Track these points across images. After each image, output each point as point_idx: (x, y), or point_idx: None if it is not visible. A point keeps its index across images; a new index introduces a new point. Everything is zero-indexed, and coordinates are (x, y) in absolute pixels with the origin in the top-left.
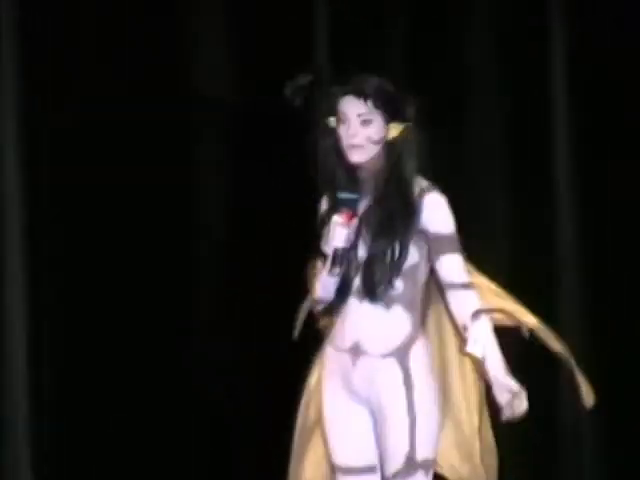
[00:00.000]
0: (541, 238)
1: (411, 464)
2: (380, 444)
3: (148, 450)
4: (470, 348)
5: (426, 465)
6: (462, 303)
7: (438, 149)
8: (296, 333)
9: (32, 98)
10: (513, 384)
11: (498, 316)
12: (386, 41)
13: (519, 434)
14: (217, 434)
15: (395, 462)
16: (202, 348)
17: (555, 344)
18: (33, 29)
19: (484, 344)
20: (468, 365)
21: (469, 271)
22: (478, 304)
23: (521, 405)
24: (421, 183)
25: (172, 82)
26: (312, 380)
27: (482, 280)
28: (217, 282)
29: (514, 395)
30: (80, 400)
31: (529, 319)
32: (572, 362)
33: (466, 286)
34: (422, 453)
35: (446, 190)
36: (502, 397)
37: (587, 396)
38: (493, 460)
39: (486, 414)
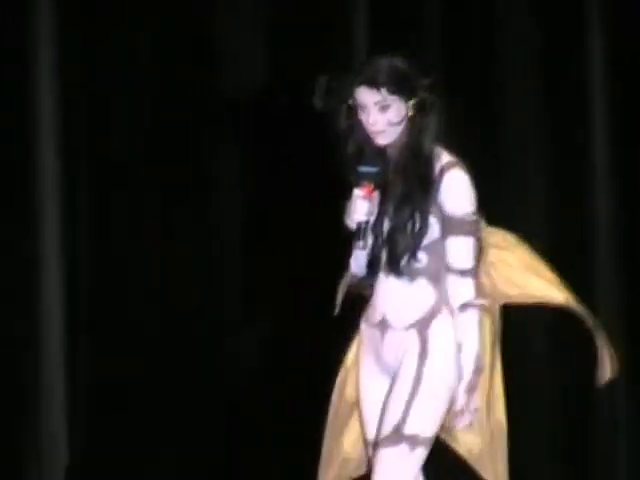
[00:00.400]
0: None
1: (397, 434)
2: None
3: (176, 435)
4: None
5: (413, 440)
6: (455, 289)
7: (472, 133)
8: (337, 310)
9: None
10: (460, 403)
11: (514, 293)
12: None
13: (554, 402)
14: (248, 419)
15: (385, 428)
16: (230, 340)
17: (587, 319)
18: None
19: (465, 338)
20: (487, 343)
21: (502, 245)
22: (469, 294)
23: (459, 422)
24: (444, 158)
25: (197, 74)
26: (349, 358)
27: (512, 255)
28: (244, 270)
29: (457, 412)
30: (112, 385)
31: (558, 295)
32: (603, 336)
33: (464, 273)
34: (412, 428)
35: (482, 171)
36: (458, 403)
37: (605, 372)
38: (502, 436)
39: (499, 390)
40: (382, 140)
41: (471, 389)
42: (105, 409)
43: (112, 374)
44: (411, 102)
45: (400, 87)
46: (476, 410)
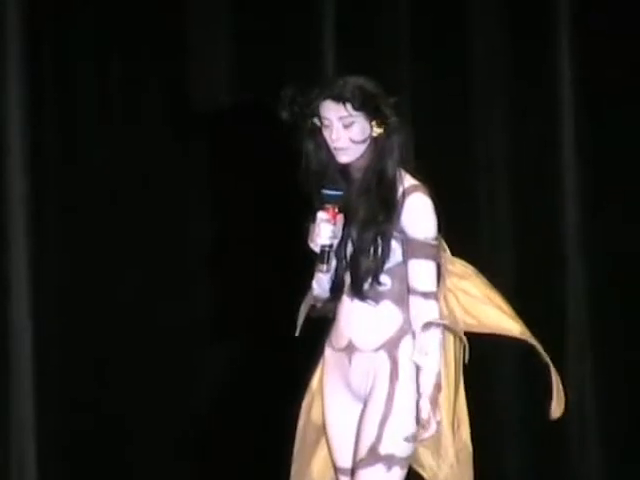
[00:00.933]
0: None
1: (373, 455)
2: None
3: (148, 449)
4: (414, 357)
5: (389, 460)
6: (418, 311)
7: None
8: (297, 330)
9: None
10: (426, 412)
11: (471, 322)
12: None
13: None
14: (212, 436)
15: (361, 450)
16: (202, 349)
17: (541, 353)
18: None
19: (426, 356)
20: (451, 365)
21: (462, 274)
22: (433, 315)
23: (425, 433)
24: (406, 181)
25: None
26: (314, 381)
27: (471, 285)
28: (216, 281)
29: (423, 422)
30: (83, 396)
31: (513, 327)
32: (555, 372)
33: (426, 295)
34: (387, 447)
35: (451, 192)
36: (423, 413)
37: (556, 408)
38: (468, 458)
39: (463, 412)
40: (344, 158)
41: (432, 402)
42: (75, 425)
43: (81, 389)
44: (375, 122)
45: (365, 104)
46: (439, 422)
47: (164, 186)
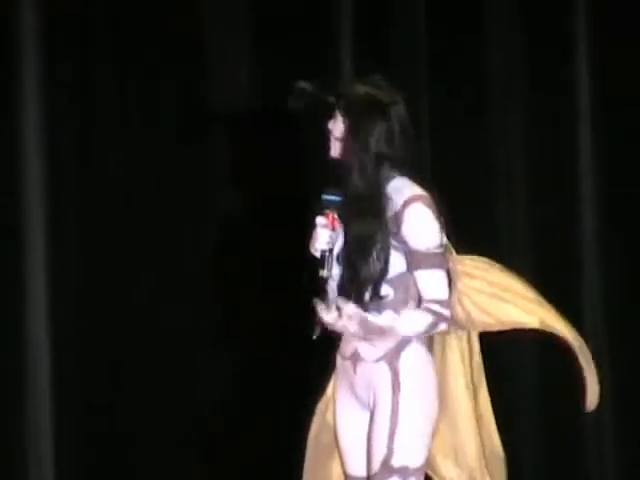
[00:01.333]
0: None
1: (387, 468)
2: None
3: (151, 451)
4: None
5: (404, 472)
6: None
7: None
8: (315, 333)
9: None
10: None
11: (489, 321)
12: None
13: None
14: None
15: (374, 465)
16: (205, 352)
17: (569, 339)
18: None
19: (402, 319)
20: (468, 370)
21: (473, 273)
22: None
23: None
24: (407, 191)
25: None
26: (330, 388)
27: (483, 283)
28: (219, 283)
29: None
30: (98, 398)
31: (531, 320)
32: (588, 357)
33: (441, 303)
34: (400, 459)
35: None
36: (351, 324)
37: (592, 398)
38: (499, 463)
39: (488, 417)
40: (330, 152)
41: (354, 318)
42: (91, 427)
43: (97, 391)
44: (344, 120)
45: (338, 99)
46: (343, 326)
47: (179, 189)
